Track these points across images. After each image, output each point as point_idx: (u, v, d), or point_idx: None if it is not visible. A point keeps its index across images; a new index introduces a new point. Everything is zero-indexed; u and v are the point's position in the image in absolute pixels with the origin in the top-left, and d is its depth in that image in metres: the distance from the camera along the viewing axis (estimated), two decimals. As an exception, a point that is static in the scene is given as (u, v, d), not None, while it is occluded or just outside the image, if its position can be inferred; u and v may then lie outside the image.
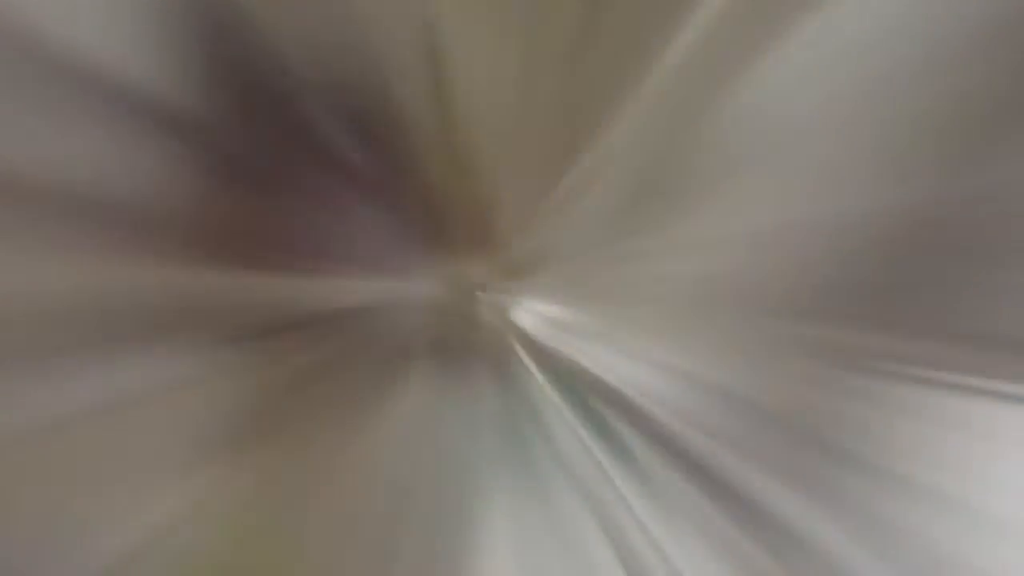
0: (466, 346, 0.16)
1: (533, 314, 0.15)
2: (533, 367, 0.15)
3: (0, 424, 0.16)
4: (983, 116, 0.14)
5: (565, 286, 0.15)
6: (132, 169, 0.16)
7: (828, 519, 0.16)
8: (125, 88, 0.15)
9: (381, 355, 0.16)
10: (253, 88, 0.15)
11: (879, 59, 0.14)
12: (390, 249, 0.15)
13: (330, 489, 0.16)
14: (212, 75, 0.14)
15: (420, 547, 0.15)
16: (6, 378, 0.16)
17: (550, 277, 0.15)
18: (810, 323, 0.15)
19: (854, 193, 0.14)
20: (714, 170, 0.14)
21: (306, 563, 0.15)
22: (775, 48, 0.14)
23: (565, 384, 0.15)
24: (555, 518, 0.15)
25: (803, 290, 0.15)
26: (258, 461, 0.16)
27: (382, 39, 0.15)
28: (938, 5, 0.13)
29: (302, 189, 0.15)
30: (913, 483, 0.16)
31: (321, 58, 0.15)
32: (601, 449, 0.16)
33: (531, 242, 0.15)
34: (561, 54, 0.15)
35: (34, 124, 0.15)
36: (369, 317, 0.16)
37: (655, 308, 0.15)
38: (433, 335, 0.16)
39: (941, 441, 0.16)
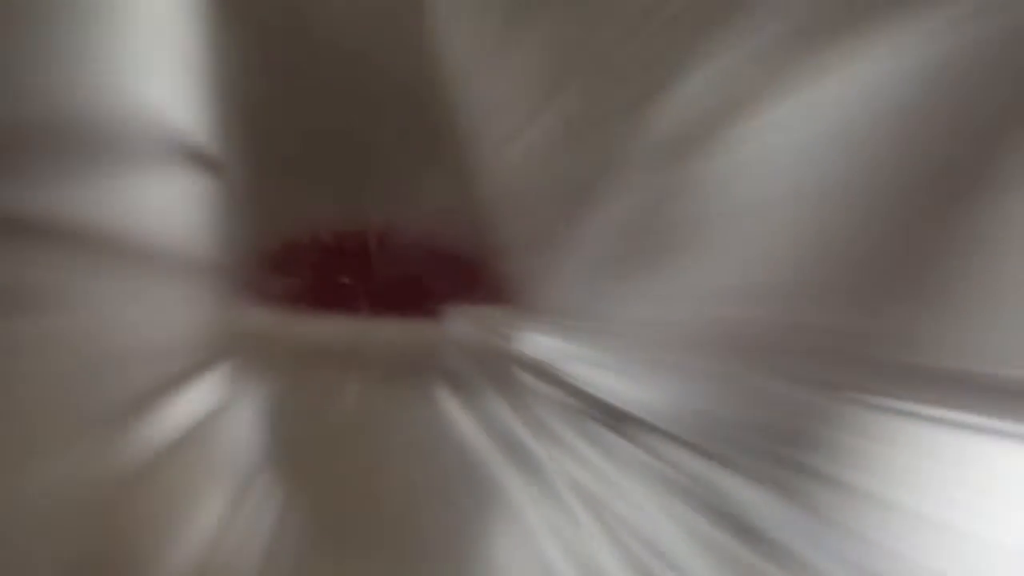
0: (483, 370, 0.19)
1: (537, 345, 0.18)
2: (537, 387, 0.17)
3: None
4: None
5: (564, 324, 0.17)
6: (207, 227, 0.18)
7: (804, 527, 0.18)
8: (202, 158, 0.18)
9: (414, 378, 0.19)
10: (309, 154, 0.18)
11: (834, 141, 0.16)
12: (427, 297, 0.18)
13: (365, 492, 0.18)
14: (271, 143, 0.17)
15: (441, 539, 0.17)
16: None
17: (551, 316, 0.17)
18: (786, 359, 0.17)
19: (813, 256, 0.16)
20: (691, 234, 0.16)
21: (341, 564, 0.17)
22: (747, 124, 0.16)
23: (564, 401, 0.18)
24: (557, 514, 0.18)
25: (779, 332, 0.17)
26: (307, 467, 0.18)
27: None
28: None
29: (350, 251, 0.18)
30: (873, 496, 0.17)
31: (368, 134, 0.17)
32: (593, 453, 0.18)
33: (535, 290, 0.18)
34: (564, 137, 0.17)
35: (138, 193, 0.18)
36: (406, 350, 0.19)
37: (641, 342, 0.17)
38: (455, 363, 0.19)
39: (890, 455, 0.18)
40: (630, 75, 0.17)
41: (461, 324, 0.19)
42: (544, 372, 0.17)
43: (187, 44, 0.18)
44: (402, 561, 0.17)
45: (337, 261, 0.18)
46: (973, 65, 0.15)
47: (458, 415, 0.19)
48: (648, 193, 0.16)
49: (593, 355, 0.17)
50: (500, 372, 0.18)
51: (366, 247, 0.18)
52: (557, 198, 0.17)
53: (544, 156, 0.17)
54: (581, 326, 0.17)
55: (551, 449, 0.18)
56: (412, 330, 0.19)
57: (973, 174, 0.15)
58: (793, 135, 0.16)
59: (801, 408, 0.17)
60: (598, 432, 0.18)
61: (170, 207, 0.48)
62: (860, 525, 0.17)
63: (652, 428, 0.17)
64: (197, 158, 0.50)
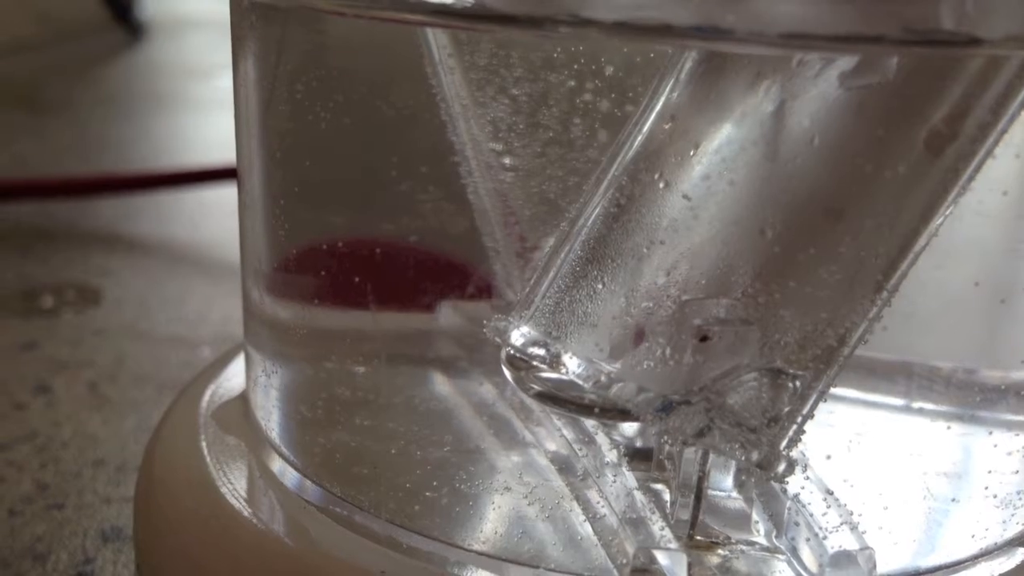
0: (474, 359, 0.22)
1: (522, 335, 0.20)
2: (518, 373, 0.20)
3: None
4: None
5: (545, 318, 0.20)
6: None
7: (767, 504, 0.19)
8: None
9: (409, 367, 0.22)
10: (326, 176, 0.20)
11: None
12: (424, 294, 0.21)
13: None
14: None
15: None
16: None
17: (533, 312, 0.20)
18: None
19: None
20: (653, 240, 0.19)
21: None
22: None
23: (542, 386, 0.20)
24: (536, 480, 0.20)
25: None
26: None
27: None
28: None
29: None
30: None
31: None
32: (575, 440, 0.21)
33: (520, 289, 0.21)
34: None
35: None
36: (401, 340, 0.22)
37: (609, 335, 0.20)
38: (448, 353, 0.22)
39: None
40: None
41: (453, 317, 0.22)
42: (523, 361, 0.19)
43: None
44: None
45: (348, 264, 0.20)
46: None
47: (450, 398, 0.21)
48: (611, 206, 0.19)
49: (567, 346, 0.19)
50: (487, 359, 0.21)
51: (373, 252, 0.20)
52: (536, 214, 0.20)
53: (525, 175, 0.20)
54: (557, 320, 0.19)
55: (533, 426, 0.21)
56: (411, 321, 0.22)
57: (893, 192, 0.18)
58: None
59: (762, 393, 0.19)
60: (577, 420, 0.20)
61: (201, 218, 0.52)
62: (817, 503, 0.19)
63: (622, 412, 0.18)
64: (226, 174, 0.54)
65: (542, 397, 0.19)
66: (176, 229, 0.50)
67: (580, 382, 0.18)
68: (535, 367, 0.19)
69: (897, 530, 0.19)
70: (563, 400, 0.19)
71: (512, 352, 0.19)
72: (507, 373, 0.19)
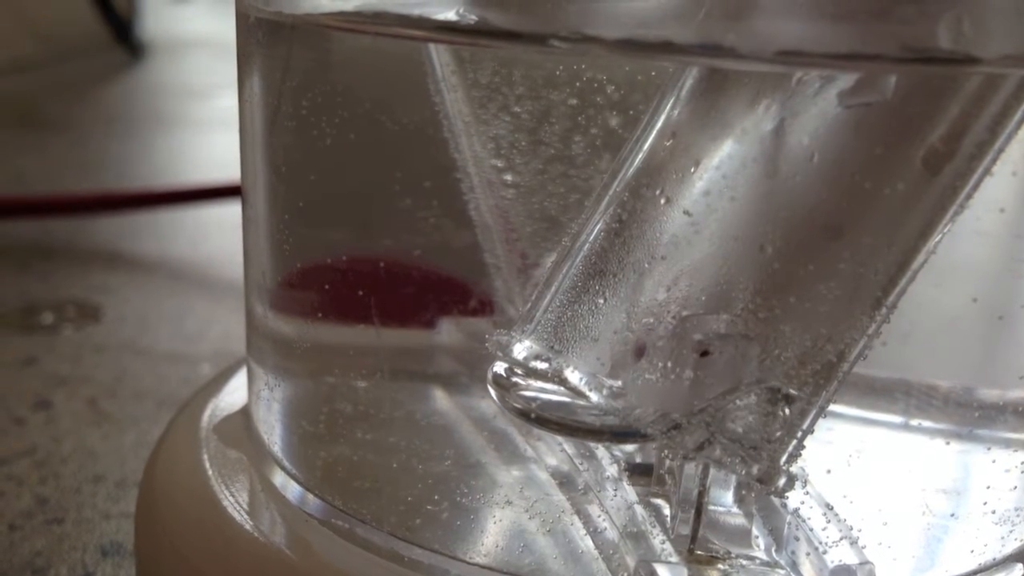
0: (475, 375, 0.22)
1: (525, 349, 0.20)
2: (516, 388, 0.20)
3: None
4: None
5: (548, 332, 0.20)
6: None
7: (765, 517, 0.19)
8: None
9: (411, 382, 0.22)
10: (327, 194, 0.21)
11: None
12: (425, 310, 0.21)
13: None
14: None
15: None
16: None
17: (535, 327, 0.20)
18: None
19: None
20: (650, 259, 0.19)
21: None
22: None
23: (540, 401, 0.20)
24: (536, 494, 0.20)
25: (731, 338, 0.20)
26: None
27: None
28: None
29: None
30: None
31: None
32: (576, 454, 0.21)
33: (522, 305, 0.21)
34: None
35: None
36: (403, 355, 0.22)
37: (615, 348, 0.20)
38: (450, 369, 0.22)
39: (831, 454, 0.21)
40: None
41: (455, 333, 0.22)
42: (509, 380, 0.19)
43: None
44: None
45: (351, 280, 0.20)
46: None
47: (452, 412, 0.22)
48: (613, 222, 0.19)
49: (569, 360, 0.19)
50: (486, 375, 0.21)
51: (376, 268, 0.21)
52: (536, 232, 0.20)
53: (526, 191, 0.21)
54: (559, 334, 0.19)
55: (533, 441, 0.21)
56: (412, 337, 0.22)
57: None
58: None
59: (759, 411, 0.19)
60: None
61: (201, 235, 0.52)
62: (817, 518, 0.19)
63: (608, 434, 0.19)
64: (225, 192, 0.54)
65: (529, 417, 0.19)
66: (176, 247, 0.50)
67: (572, 399, 0.18)
68: (520, 385, 0.19)
69: (896, 545, 0.19)
70: (549, 421, 0.19)
71: (499, 372, 0.19)
72: (492, 392, 0.19)
